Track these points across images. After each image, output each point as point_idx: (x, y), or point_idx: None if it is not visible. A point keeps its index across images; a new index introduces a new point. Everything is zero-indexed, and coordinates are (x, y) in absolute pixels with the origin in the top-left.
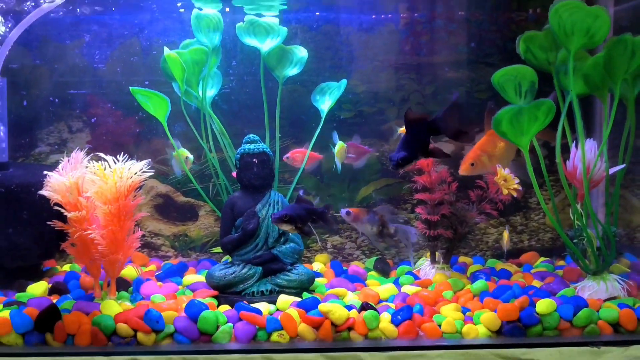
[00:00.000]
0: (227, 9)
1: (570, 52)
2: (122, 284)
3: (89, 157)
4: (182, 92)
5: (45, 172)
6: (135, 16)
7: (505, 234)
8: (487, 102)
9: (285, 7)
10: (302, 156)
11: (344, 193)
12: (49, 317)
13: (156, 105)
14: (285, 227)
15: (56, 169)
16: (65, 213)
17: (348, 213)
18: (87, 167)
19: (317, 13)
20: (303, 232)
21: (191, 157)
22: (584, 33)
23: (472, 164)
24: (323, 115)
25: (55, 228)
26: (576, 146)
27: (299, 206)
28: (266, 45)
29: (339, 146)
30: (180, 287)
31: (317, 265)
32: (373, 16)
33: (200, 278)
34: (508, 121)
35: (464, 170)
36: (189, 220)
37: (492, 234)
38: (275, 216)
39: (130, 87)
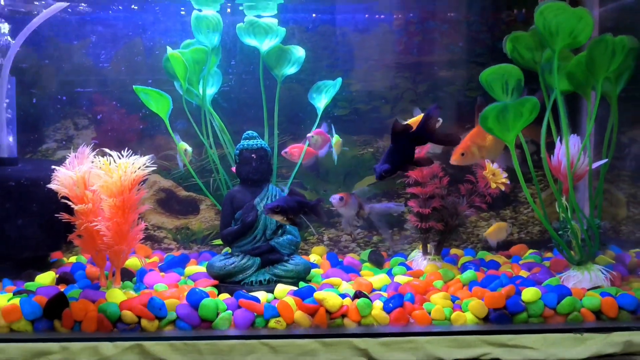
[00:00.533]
0: (229, 10)
1: (555, 51)
2: (127, 274)
3: (94, 153)
4: (183, 90)
5: (53, 167)
6: (138, 17)
7: (493, 227)
8: (477, 98)
9: (282, 1)
10: (299, 151)
11: (340, 187)
12: (57, 304)
13: (158, 103)
14: (277, 218)
15: (63, 164)
16: (73, 206)
17: (341, 199)
18: (92, 162)
19: (314, 14)
20: (294, 223)
21: (190, 149)
22: (568, 33)
23: (462, 154)
24: (319, 113)
25: (63, 220)
26: (561, 142)
27: (291, 198)
28: (265, 45)
29: (336, 139)
30: (182, 277)
31: (314, 257)
32: (368, 17)
33: (201, 269)
34: (494, 117)
35: (454, 159)
36: (190, 214)
37: (482, 227)
38: (267, 207)
39: (133, 86)
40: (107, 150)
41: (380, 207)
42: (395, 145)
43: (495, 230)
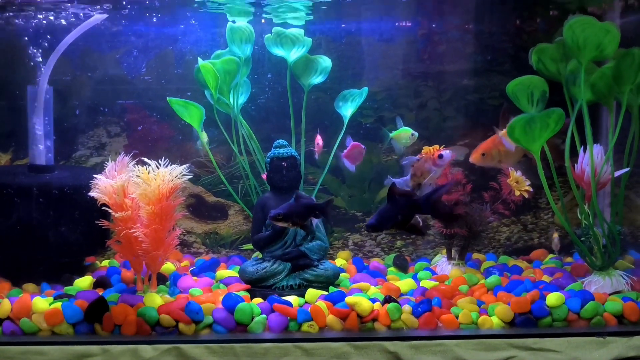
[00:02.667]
0: (263, 20)
1: (582, 64)
2: (160, 279)
3: (133, 162)
4: (214, 99)
5: (91, 175)
6: (170, 28)
7: (555, 234)
8: (503, 104)
9: (312, 17)
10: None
11: (364, 194)
12: (98, 308)
13: (192, 114)
14: (282, 225)
15: (103, 172)
16: (112, 213)
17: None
18: (132, 170)
19: (342, 25)
20: (304, 228)
21: (206, 139)
22: (595, 47)
23: (483, 154)
24: (345, 121)
25: (100, 226)
26: (584, 151)
27: (296, 204)
28: (292, 55)
29: (403, 131)
30: (214, 281)
31: (340, 261)
32: (392, 27)
33: (232, 273)
34: (521, 128)
35: (474, 158)
36: (219, 219)
37: (503, 232)
38: (270, 215)
39: (167, 98)
40: (145, 159)
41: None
42: (390, 205)
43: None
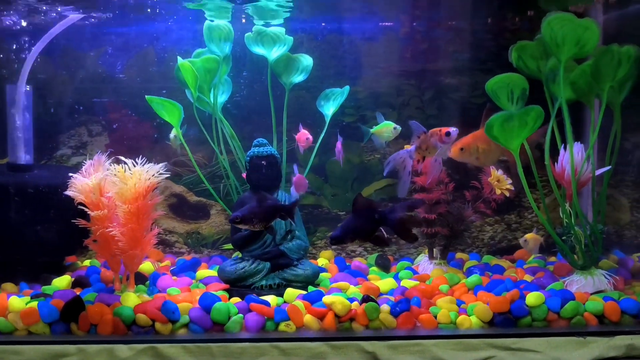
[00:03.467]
0: (243, 20)
1: (561, 61)
2: (140, 278)
3: (110, 160)
4: (194, 98)
5: (70, 174)
6: (150, 27)
7: (531, 235)
8: (487, 103)
9: (288, 14)
10: (304, 138)
11: (347, 193)
12: (73, 308)
13: (170, 112)
14: (242, 227)
15: (80, 171)
16: (89, 212)
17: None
18: (108, 169)
19: (323, 23)
20: (268, 230)
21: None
22: (575, 44)
23: (462, 149)
24: (327, 120)
25: (79, 226)
26: (564, 149)
27: (258, 205)
28: (273, 53)
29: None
30: (193, 281)
31: (322, 261)
32: (374, 25)
33: (212, 273)
34: (499, 126)
35: (453, 152)
36: (201, 219)
37: (487, 232)
38: (229, 219)
39: (146, 96)
40: (122, 157)
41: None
42: (355, 217)
43: (534, 244)
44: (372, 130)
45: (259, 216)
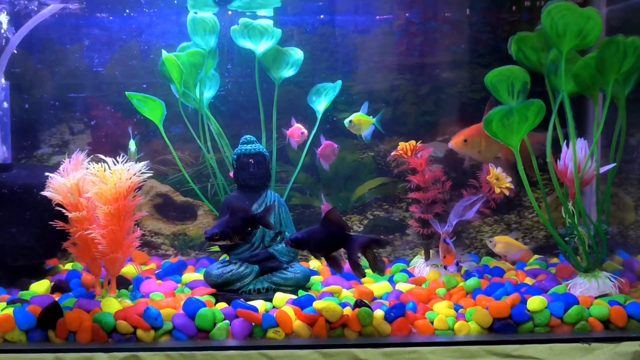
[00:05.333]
0: (230, 12)
1: (563, 53)
2: (123, 282)
3: (89, 159)
4: (179, 94)
5: (47, 174)
6: (134, 20)
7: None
8: (484, 98)
9: (279, 4)
10: (298, 133)
11: (341, 192)
12: (51, 314)
13: (152, 109)
14: (220, 244)
15: (57, 171)
16: (67, 213)
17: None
18: (87, 168)
19: (313, 15)
20: (244, 240)
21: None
22: (576, 34)
23: (465, 140)
24: (319, 116)
25: (57, 228)
26: (567, 145)
27: (232, 219)
28: (261, 47)
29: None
30: (179, 285)
31: (314, 263)
32: (368, 18)
33: (199, 276)
34: (498, 121)
35: (455, 143)
36: (188, 220)
37: (486, 232)
38: (205, 236)
39: (126, 92)
40: (102, 156)
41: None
42: (322, 229)
43: (504, 248)
44: (348, 119)
45: (235, 229)
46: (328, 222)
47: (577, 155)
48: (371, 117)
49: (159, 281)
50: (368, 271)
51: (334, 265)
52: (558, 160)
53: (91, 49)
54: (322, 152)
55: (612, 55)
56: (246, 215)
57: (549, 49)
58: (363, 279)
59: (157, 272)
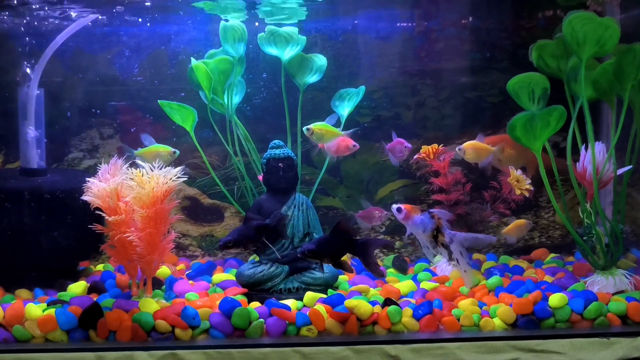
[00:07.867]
0: (257, 23)
1: (582, 60)
2: (156, 283)
3: (127, 164)
4: (208, 100)
5: (84, 178)
6: (163, 28)
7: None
8: (501, 102)
9: (304, 17)
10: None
11: (363, 194)
12: (92, 314)
13: (183, 117)
14: (233, 251)
15: (96, 175)
16: (106, 217)
17: (399, 209)
18: (125, 173)
19: (338, 23)
20: (257, 251)
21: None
22: (595, 43)
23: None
24: (343, 120)
25: (94, 230)
26: (586, 149)
27: (246, 227)
28: (286, 54)
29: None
30: (210, 285)
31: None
32: (389, 25)
33: (229, 276)
34: (522, 126)
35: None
36: (215, 222)
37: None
38: (219, 244)
39: (158, 101)
40: (140, 162)
41: (466, 237)
42: (331, 237)
43: (514, 227)
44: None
45: (249, 237)
46: (338, 230)
47: (595, 158)
48: (340, 129)
49: (191, 282)
50: (390, 270)
51: (344, 268)
52: (577, 163)
53: (120, 56)
54: (392, 148)
55: (630, 62)
56: (260, 225)
57: (568, 56)
58: (387, 278)
59: (187, 272)
